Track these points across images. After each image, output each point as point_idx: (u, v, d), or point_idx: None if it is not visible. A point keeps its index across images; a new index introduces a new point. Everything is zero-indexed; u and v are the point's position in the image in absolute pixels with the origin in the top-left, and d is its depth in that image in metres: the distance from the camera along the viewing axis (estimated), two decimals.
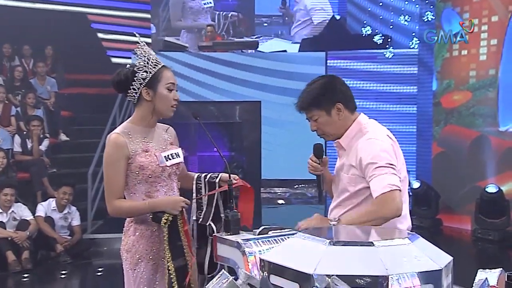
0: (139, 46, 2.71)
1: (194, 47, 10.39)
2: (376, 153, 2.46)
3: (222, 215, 2.72)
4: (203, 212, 2.76)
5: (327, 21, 10.90)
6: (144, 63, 2.68)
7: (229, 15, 11.73)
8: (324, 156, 2.72)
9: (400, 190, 2.41)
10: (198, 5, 11.55)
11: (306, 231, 1.99)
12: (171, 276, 2.59)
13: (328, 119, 2.59)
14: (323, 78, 2.70)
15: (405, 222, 2.57)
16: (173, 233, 2.61)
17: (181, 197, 2.67)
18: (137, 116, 2.75)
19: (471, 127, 7.89)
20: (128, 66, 2.77)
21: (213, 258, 2.69)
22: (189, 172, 2.96)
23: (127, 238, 2.73)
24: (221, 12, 11.74)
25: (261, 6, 12.46)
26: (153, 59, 2.70)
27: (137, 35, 2.80)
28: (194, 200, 2.83)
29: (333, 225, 2.41)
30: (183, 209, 2.64)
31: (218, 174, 2.82)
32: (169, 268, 2.60)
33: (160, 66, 2.71)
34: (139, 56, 2.70)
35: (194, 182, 2.88)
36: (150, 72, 2.67)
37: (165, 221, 2.57)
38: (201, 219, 2.75)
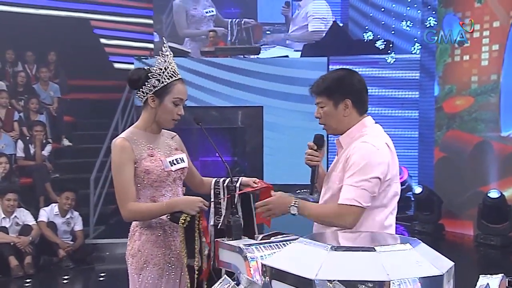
0: (162, 53, 2.70)
1: (196, 53, 10.41)
2: (364, 159, 2.42)
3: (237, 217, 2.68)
4: (222, 216, 2.74)
5: (322, 31, 10.92)
6: (160, 71, 2.66)
7: (243, 21, 11.68)
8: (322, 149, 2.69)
9: (363, 207, 2.40)
10: (200, 13, 11.57)
11: (308, 236, 1.99)
12: (187, 274, 2.58)
13: (333, 111, 2.56)
14: (343, 71, 2.67)
15: (389, 232, 2.56)
16: (188, 234, 2.59)
17: (199, 198, 2.63)
18: (142, 120, 2.76)
19: (473, 132, 7.88)
20: (148, 68, 2.74)
21: None
22: (205, 178, 2.94)
23: (132, 243, 2.73)
24: (234, 20, 11.69)
25: (264, 14, 12.45)
26: (170, 70, 2.68)
27: (165, 41, 2.80)
28: (212, 205, 2.78)
29: (295, 207, 2.47)
30: (202, 210, 2.61)
31: (238, 178, 2.79)
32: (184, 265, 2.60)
33: (174, 78, 2.68)
34: (158, 63, 2.69)
35: (212, 187, 2.84)
36: (162, 82, 2.66)
37: (183, 221, 2.55)
38: (219, 224, 2.73)
